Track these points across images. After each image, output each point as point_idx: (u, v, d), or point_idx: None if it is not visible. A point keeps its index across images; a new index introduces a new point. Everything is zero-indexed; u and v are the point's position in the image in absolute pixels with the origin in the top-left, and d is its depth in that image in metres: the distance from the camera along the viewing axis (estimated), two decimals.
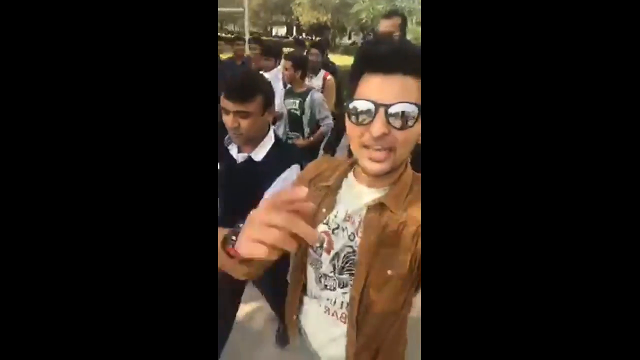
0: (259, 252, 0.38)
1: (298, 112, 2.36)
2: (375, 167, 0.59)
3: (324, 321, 0.73)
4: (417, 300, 0.66)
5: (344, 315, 0.70)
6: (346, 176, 0.71)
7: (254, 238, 0.39)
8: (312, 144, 2.41)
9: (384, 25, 1.91)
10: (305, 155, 1.82)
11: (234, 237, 0.52)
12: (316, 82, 2.81)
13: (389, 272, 0.63)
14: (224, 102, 1.03)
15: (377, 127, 0.54)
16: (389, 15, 1.98)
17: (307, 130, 2.40)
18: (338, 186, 0.71)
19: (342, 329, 0.71)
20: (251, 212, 0.42)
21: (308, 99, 2.31)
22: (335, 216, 0.69)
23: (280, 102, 2.36)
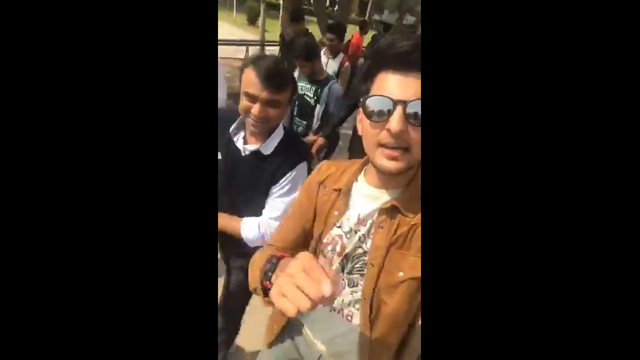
0: (285, 307, 0.44)
1: (312, 101, 2.16)
2: (391, 166, 0.57)
3: (328, 319, 0.72)
4: None
5: (350, 313, 0.69)
6: (356, 179, 0.70)
7: (282, 292, 0.45)
8: (319, 146, 2.21)
9: None
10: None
11: (270, 273, 0.59)
12: (334, 64, 2.63)
13: (400, 274, 0.62)
14: (255, 89, 0.95)
15: (396, 123, 0.53)
16: None
17: (316, 122, 2.21)
18: (349, 189, 0.69)
19: (346, 327, 0.70)
20: (290, 265, 0.47)
21: (326, 89, 2.11)
22: (348, 219, 0.67)
23: None
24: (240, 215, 1.11)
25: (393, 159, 0.56)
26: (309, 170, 1.09)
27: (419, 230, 0.61)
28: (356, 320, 0.69)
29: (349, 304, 0.69)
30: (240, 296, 1.35)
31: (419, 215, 0.61)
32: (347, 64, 2.65)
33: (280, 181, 1.05)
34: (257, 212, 1.10)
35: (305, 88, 2.19)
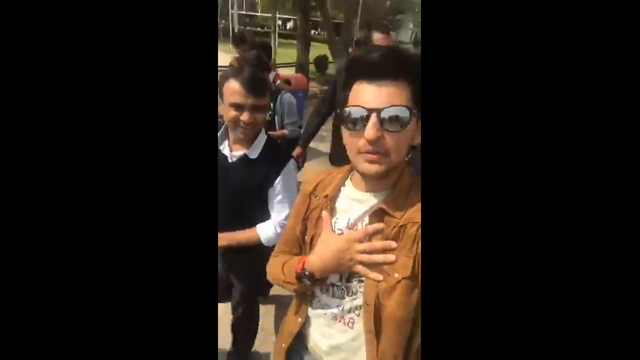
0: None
1: (269, 114, 2.21)
2: (371, 169, 0.59)
3: (331, 327, 0.73)
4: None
5: (351, 320, 0.70)
6: (343, 184, 0.72)
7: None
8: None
9: (377, 39, 1.80)
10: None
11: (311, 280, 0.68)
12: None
13: (396, 275, 0.63)
14: (241, 98, 1.03)
15: (371, 131, 0.55)
16: (382, 29, 1.84)
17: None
18: (336, 195, 0.71)
19: (348, 335, 0.70)
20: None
21: (278, 100, 2.13)
22: (336, 223, 0.69)
23: None
24: (244, 221, 1.18)
25: (373, 162, 0.59)
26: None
27: (407, 230, 0.62)
28: (358, 326, 0.69)
29: (349, 311, 0.69)
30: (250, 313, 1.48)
31: (406, 216, 0.63)
32: (278, 81, 2.53)
33: (275, 183, 1.12)
34: (262, 215, 1.17)
35: None
